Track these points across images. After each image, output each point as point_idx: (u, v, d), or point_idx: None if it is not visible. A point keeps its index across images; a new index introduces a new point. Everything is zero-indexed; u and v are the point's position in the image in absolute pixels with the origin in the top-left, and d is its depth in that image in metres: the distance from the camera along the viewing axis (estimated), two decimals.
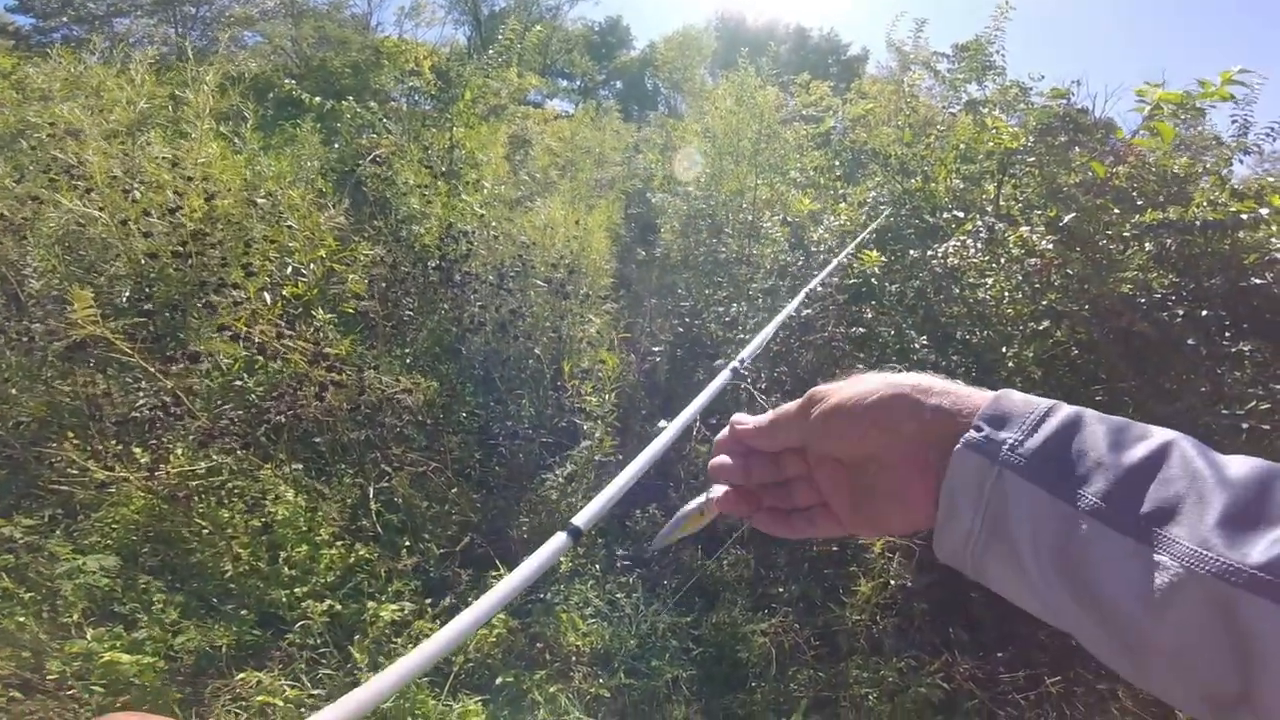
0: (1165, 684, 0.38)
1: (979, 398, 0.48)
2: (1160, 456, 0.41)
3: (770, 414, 0.59)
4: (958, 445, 0.45)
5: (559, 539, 0.65)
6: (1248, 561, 0.35)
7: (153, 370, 2.70)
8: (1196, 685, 0.36)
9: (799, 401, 0.56)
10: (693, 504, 0.66)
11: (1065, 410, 0.44)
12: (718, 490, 0.63)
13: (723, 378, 1.14)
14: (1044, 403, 0.45)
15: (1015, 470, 0.42)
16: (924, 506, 0.49)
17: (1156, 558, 0.37)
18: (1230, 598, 0.35)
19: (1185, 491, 0.39)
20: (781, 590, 2.99)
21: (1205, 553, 0.36)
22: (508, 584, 0.60)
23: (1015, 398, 0.46)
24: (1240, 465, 0.39)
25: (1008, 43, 4.51)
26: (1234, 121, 4.04)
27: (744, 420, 0.61)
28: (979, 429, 0.45)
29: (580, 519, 0.67)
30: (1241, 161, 4.12)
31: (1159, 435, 0.42)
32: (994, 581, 0.46)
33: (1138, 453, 0.41)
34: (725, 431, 0.63)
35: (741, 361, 1.22)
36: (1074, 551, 0.40)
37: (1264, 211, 3.17)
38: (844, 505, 0.56)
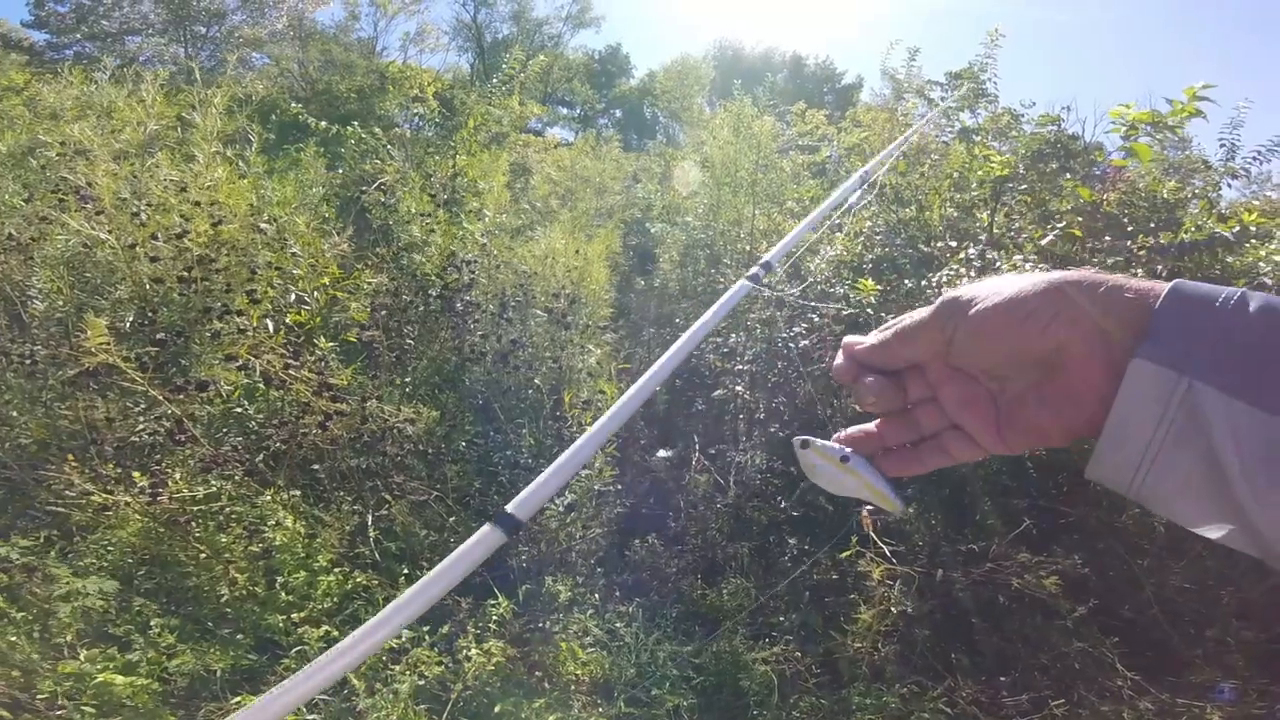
0: None
1: (1156, 287, 0.42)
2: None
3: (892, 326, 0.53)
4: (1134, 358, 0.41)
5: (490, 536, 0.56)
6: None
7: (161, 397, 2.71)
8: None
9: (929, 309, 0.51)
10: (831, 447, 0.57)
11: (1256, 301, 0.39)
12: (838, 448, 0.56)
13: (739, 286, 1.02)
14: (1227, 293, 0.40)
15: (1208, 381, 0.38)
16: (1095, 413, 0.44)
17: None
18: None
19: None
20: (782, 619, 2.99)
21: None
22: (424, 590, 0.55)
23: (1191, 291, 0.41)
24: None
25: (1005, 67, 4.58)
26: (1221, 145, 4.12)
27: (859, 339, 0.55)
28: (1157, 334, 0.41)
29: (520, 509, 0.58)
30: (1230, 185, 4.19)
31: None
32: (1163, 501, 0.42)
33: None
34: (839, 359, 0.57)
35: (766, 266, 1.07)
36: None
37: (1235, 230, 3.22)
38: (986, 422, 0.50)
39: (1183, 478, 0.40)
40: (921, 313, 0.51)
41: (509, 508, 0.55)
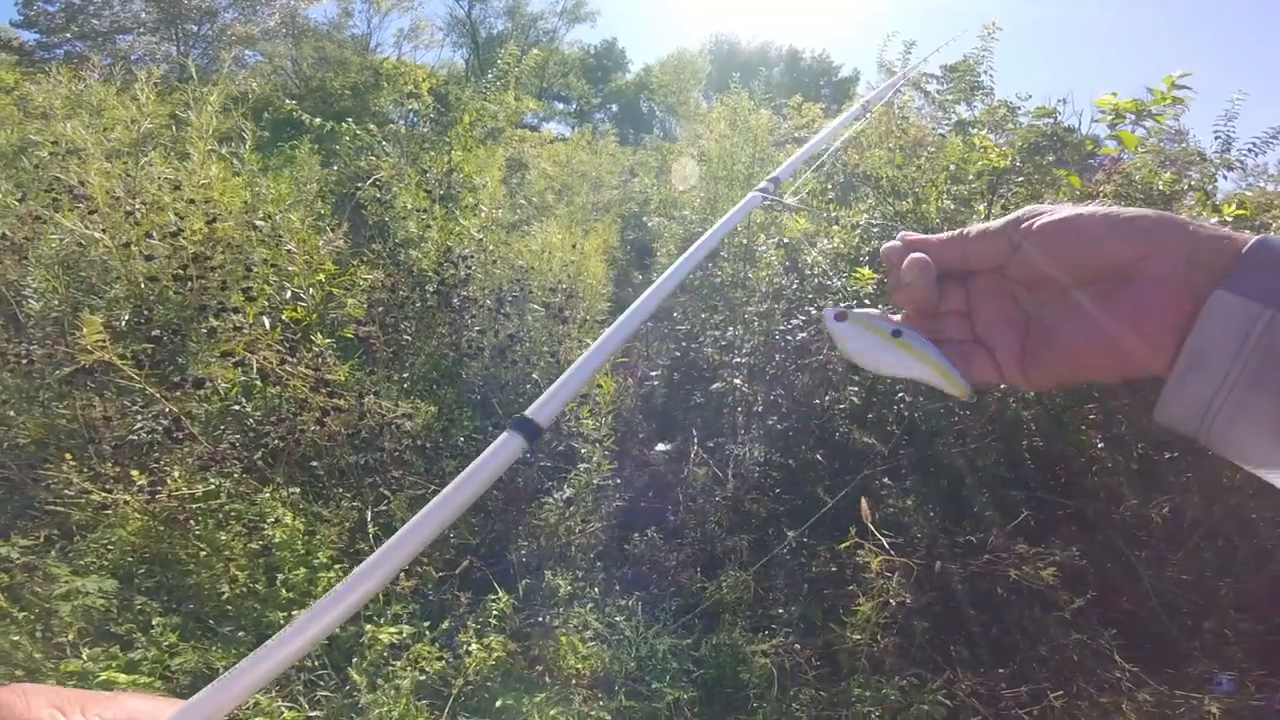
0: None
1: (1243, 235, 0.42)
2: None
3: (958, 232, 0.52)
4: (1218, 289, 0.39)
5: (511, 442, 0.49)
6: None
7: (158, 395, 2.71)
8: None
9: (1003, 219, 0.50)
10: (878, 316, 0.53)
11: None
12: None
13: (750, 199, 0.98)
14: None
15: None
16: (1158, 342, 0.43)
17: None
18: None
19: None
20: (781, 611, 3.00)
21: None
22: (447, 501, 0.49)
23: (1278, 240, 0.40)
24: None
25: (1004, 65, 4.56)
26: (1217, 137, 4.13)
27: (917, 235, 0.54)
28: (1243, 271, 0.39)
29: (540, 413, 0.50)
30: (1226, 177, 4.19)
31: None
32: (1235, 444, 0.40)
33: None
34: (895, 243, 0.55)
35: (775, 181, 1.03)
36: None
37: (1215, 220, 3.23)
38: (1013, 346, 0.50)
39: (1260, 418, 0.39)
40: (994, 222, 0.50)
41: (528, 413, 0.50)
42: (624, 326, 0.60)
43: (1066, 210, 0.46)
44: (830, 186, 5.43)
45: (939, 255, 0.52)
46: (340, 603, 0.45)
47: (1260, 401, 0.38)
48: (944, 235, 0.53)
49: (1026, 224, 0.48)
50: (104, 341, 2.44)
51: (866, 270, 3.69)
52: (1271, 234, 0.41)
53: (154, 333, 3.04)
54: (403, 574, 2.88)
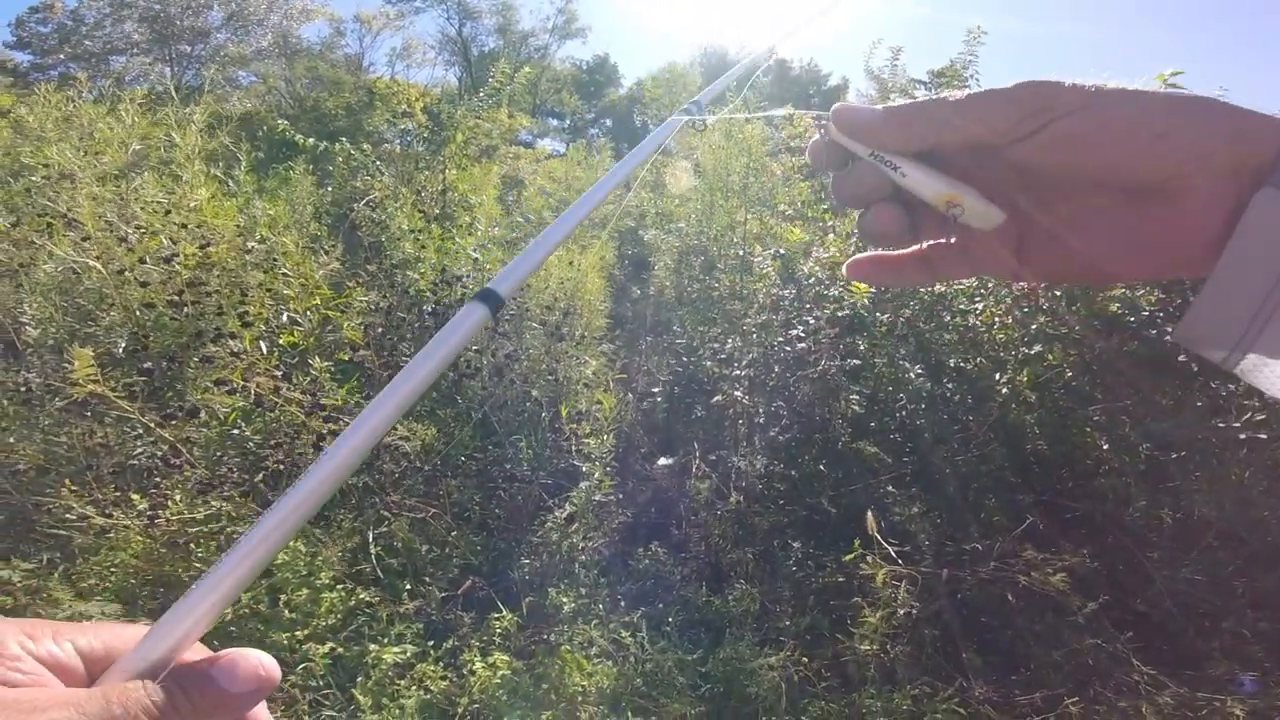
0: None
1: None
2: None
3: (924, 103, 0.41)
4: (1265, 185, 0.32)
5: (475, 311, 0.47)
6: None
7: (152, 425, 2.70)
8: None
9: (1002, 90, 0.39)
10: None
11: None
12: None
13: (673, 121, 0.93)
14: None
15: None
16: (1204, 254, 0.35)
17: None
18: None
19: None
20: (788, 623, 2.97)
21: None
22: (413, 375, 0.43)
23: None
24: None
25: (987, 70, 4.57)
26: None
27: (854, 107, 0.42)
28: None
29: (501, 284, 0.48)
30: None
31: None
32: (1274, 367, 0.34)
33: None
34: (830, 126, 0.44)
35: (697, 104, 0.96)
36: None
37: None
38: (1005, 243, 0.41)
39: None
40: (986, 94, 0.39)
41: (490, 284, 0.48)
42: (582, 205, 0.56)
43: (1096, 116, 0.36)
44: (825, 195, 5.44)
45: (900, 140, 0.42)
46: (313, 483, 0.39)
47: None
48: (903, 111, 0.42)
49: (1045, 122, 0.38)
50: (95, 375, 2.43)
51: (863, 285, 3.68)
52: None
53: (146, 365, 3.03)
54: (405, 594, 2.87)
